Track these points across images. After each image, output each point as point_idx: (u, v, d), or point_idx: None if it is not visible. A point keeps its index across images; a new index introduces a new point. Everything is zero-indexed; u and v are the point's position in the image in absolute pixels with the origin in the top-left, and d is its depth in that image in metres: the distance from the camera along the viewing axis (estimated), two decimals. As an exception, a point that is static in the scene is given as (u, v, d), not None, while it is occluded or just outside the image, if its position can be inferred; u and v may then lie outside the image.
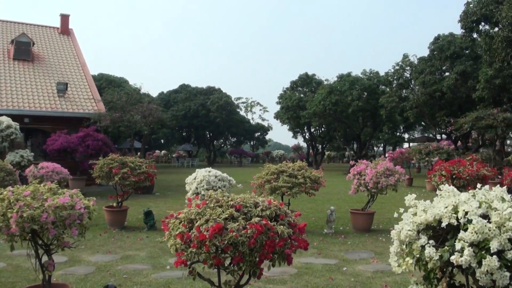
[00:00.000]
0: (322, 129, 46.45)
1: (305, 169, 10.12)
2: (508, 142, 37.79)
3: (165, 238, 3.81)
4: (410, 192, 12.94)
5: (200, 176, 9.63)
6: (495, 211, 3.61)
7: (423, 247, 3.71)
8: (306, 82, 45.75)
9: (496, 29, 19.41)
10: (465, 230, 3.55)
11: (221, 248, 3.42)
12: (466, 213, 3.64)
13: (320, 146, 50.73)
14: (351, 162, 11.13)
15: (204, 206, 3.75)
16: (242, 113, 57.56)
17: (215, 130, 52.27)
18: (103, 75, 43.76)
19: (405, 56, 32.87)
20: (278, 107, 46.21)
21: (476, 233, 3.48)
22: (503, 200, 3.75)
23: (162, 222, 3.98)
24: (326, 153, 59.68)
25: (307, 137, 49.09)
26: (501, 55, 17.75)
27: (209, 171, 9.78)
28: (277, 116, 46.21)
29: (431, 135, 53.43)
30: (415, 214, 4.07)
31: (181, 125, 50.71)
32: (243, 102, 59.13)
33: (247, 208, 3.72)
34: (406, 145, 55.58)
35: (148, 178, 10.63)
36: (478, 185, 4.06)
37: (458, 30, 36.86)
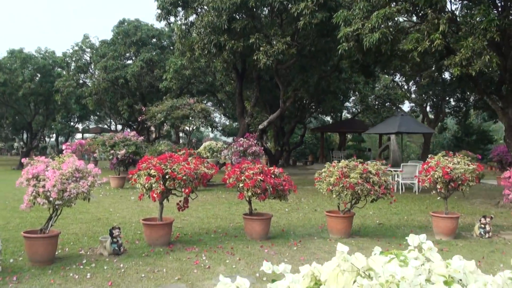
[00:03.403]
0: (-13, 116, 39.24)
1: None
2: (181, 134, 38.09)
3: None
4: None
5: None
6: None
7: None
8: (-36, 55, 37.77)
9: (195, 15, 17.94)
10: None
11: None
12: None
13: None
14: (24, 160, 7.60)
15: None
16: None
17: None
18: None
19: (86, 37, 29.62)
20: None
21: None
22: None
23: None
24: (-9, 144, 51.53)
25: (-33, 126, 40.82)
26: (202, 41, 16.24)
27: None
28: None
29: (106, 126, 51.30)
30: None
31: None
32: None
33: None
34: (79, 135, 52.23)
35: None
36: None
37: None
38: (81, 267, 6.75)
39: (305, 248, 8.09)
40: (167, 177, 7.80)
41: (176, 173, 7.74)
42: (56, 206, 6.90)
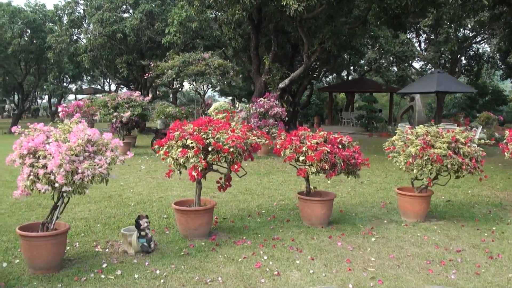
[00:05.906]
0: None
1: None
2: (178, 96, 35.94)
3: None
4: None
5: None
6: None
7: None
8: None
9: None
10: None
11: None
12: None
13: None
14: (15, 129, 5.45)
15: None
16: None
17: None
18: None
19: (79, -14, 26.94)
20: None
21: None
22: None
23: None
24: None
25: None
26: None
27: None
28: None
29: (99, 86, 48.88)
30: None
31: None
32: None
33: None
34: (72, 97, 49.87)
35: None
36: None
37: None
38: (102, 276, 4.85)
39: (385, 239, 6.24)
40: (209, 149, 5.85)
41: (221, 144, 5.80)
42: (63, 194, 4.96)
